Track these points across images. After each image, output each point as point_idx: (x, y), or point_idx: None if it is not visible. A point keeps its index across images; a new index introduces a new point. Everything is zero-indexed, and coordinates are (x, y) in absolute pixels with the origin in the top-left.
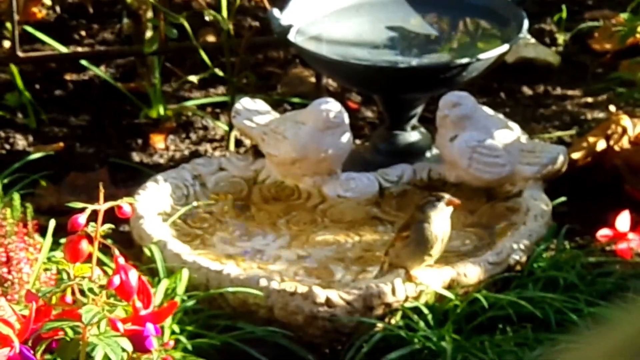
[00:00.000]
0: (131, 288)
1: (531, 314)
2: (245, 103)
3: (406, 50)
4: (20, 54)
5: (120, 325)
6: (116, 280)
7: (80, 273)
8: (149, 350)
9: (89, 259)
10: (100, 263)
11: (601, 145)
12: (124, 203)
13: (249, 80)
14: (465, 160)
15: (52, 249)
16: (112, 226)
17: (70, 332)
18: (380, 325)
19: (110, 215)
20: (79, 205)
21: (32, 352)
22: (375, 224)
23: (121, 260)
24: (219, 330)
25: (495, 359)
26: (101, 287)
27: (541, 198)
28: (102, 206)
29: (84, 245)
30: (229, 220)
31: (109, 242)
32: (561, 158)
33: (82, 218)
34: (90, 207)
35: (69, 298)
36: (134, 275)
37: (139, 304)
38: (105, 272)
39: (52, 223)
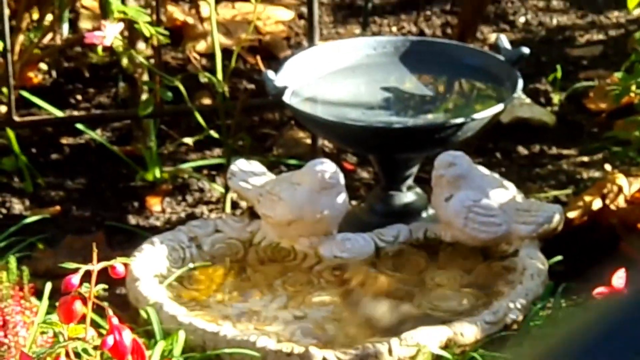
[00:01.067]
0: (125, 348)
1: None
2: (240, 165)
3: (401, 111)
4: (16, 118)
5: None
6: (110, 340)
7: (74, 334)
8: None
9: (83, 319)
10: (95, 324)
11: (597, 204)
12: (117, 263)
13: (245, 142)
14: (461, 220)
15: (48, 312)
16: (106, 286)
17: None
18: None
19: (107, 278)
20: (73, 266)
21: None
22: None
23: (115, 320)
24: None
25: None
26: (95, 347)
27: (537, 257)
28: (95, 266)
29: (78, 305)
30: (225, 281)
31: (104, 303)
32: (557, 217)
33: (75, 278)
34: (84, 268)
35: (63, 359)
36: (128, 335)
37: None
38: (99, 334)
39: (49, 286)
